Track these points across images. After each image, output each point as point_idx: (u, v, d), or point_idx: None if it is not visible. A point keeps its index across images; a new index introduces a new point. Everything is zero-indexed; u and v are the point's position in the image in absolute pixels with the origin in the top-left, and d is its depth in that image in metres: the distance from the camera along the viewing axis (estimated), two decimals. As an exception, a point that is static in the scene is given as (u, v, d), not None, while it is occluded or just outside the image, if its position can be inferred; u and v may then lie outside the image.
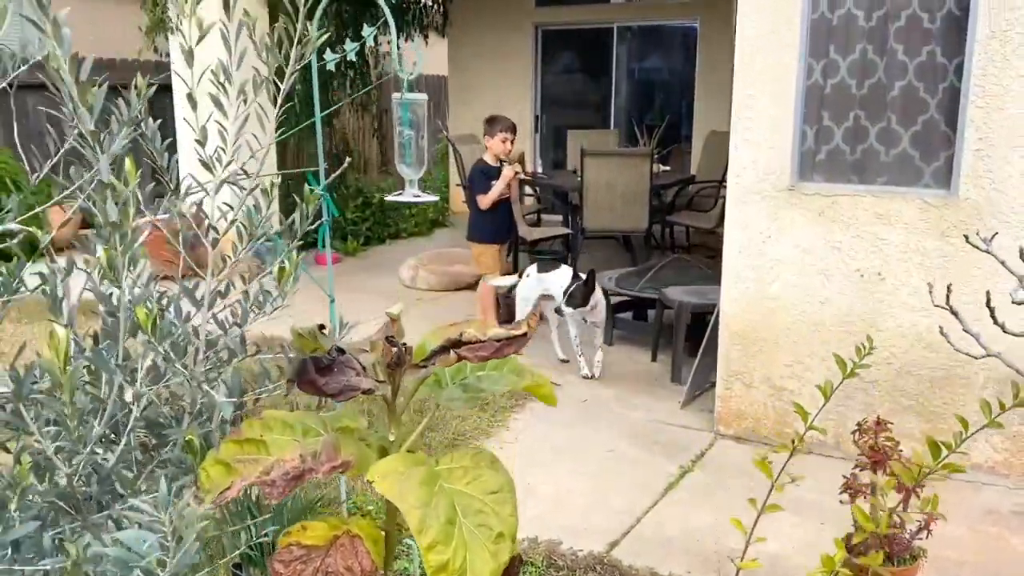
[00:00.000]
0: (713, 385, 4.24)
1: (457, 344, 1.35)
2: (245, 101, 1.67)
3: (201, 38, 1.55)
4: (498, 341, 1.35)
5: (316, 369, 1.32)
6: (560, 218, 7.99)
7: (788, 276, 3.84)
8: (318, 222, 2.73)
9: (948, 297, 1.88)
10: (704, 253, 7.53)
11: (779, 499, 3.43)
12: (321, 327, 1.39)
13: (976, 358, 1.85)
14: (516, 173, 5.50)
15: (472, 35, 10.54)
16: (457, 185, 8.42)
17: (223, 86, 1.64)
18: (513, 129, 5.54)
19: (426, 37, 10.42)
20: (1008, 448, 3.55)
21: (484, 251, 5.62)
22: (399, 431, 1.41)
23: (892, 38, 3.61)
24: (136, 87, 1.63)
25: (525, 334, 1.36)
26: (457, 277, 7.10)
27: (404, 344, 1.34)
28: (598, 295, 4.83)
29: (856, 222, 3.67)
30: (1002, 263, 1.70)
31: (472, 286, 7.12)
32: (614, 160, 6.91)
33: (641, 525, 3.30)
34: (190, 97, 1.59)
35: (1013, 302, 1.70)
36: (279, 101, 1.61)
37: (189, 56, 1.54)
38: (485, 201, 5.47)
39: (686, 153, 10.06)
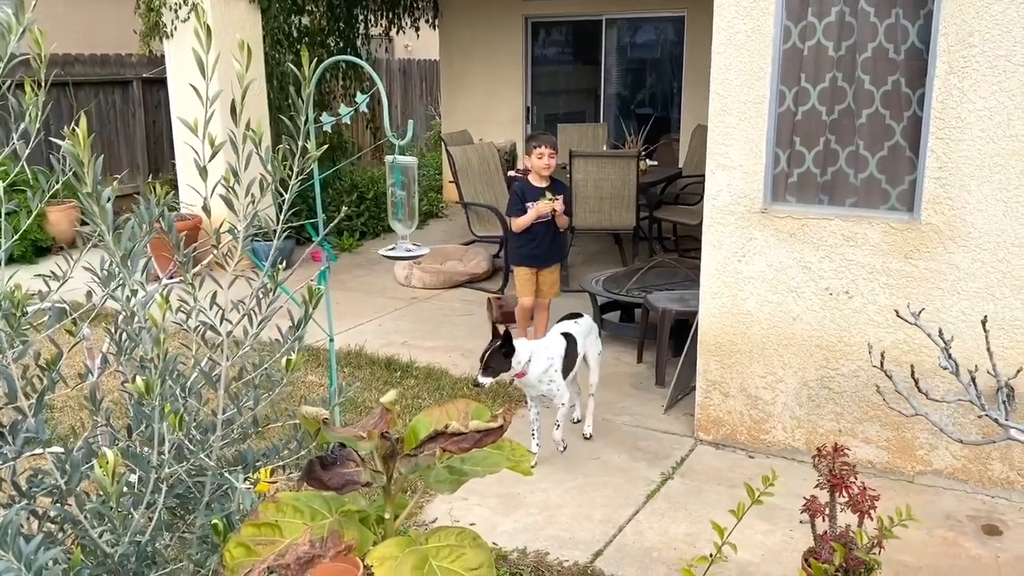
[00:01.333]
0: (694, 389, 4.47)
1: (442, 436, 1.57)
2: (253, 202, 1.87)
3: (214, 154, 1.75)
4: (478, 433, 1.57)
5: (322, 466, 1.54)
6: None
7: (761, 293, 4.05)
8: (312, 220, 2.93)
9: (883, 361, 2.10)
10: (691, 245, 7.76)
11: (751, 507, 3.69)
12: (325, 420, 1.61)
13: (906, 416, 2.07)
14: (554, 211, 5.12)
15: (463, 27, 10.66)
16: (449, 182, 8.59)
17: (233, 189, 1.84)
18: (550, 143, 5.19)
19: (417, 29, 10.55)
20: (966, 455, 3.80)
21: (516, 272, 5.46)
22: (393, 508, 1.64)
23: (860, 68, 3.80)
24: (156, 192, 1.82)
25: (501, 427, 1.58)
26: (451, 275, 7.31)
27: (398, 438, 1.56)
28: (526, 351, 4.05)
29: (825, 244, 3.89)
30: (928, 335, 1.91)
31: (465, 284, 7.34)
32: (602, 161, 7.10)
33: (623, 535, 3.54)
34: (205, 208, 1.79)
35: (940, 366, 1.92)
36: (285, 208, 1.81)
37: (204, 172, 1.74)
38: (513, 226, 5.28)
39: (674, 140, 10.24)
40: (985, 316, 2.07)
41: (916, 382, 1.91)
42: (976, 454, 3.79)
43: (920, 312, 2.06)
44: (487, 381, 3.96)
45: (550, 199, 5.09)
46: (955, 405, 3.72)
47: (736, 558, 3.35)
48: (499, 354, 3.96)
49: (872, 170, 3.86)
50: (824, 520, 2.91)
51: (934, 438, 3.84)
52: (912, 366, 2.05)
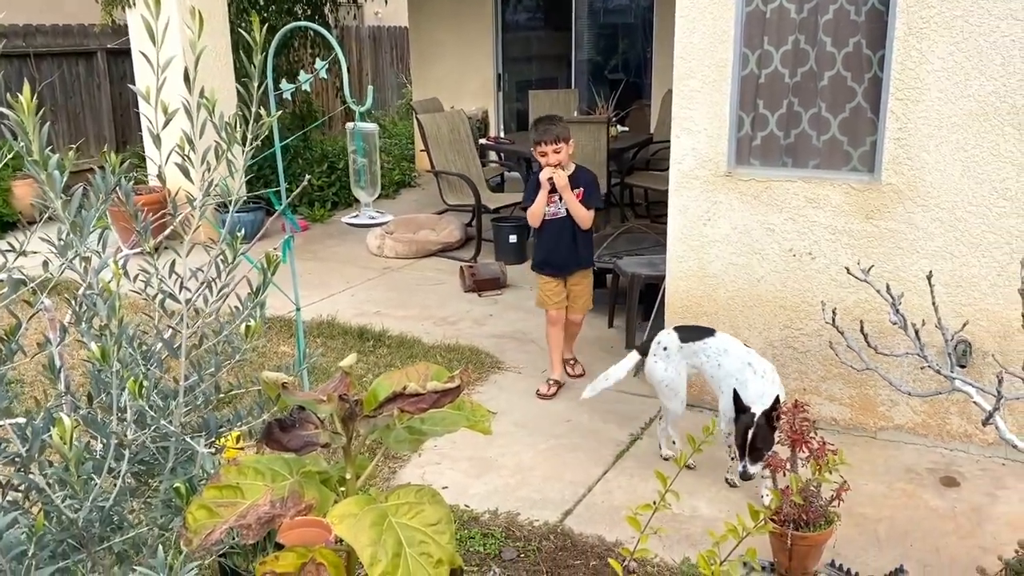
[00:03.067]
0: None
1: (400, 397, 1.60)
2: (209, 168, 1.87)
3: (167, 122, 1.75)
4: (435, 393, 1.60)
5: (280, 428, 1.57)
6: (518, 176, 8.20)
7: (726, 256, 4.11)
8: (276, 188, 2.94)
9: (834, 317, 2.15)
10: (662, 210, 7.79)
11: (719, 464, 3.77)
12: (284, 385, 1.63)
13: (858, 370, 2.13)
14: (550, 178, 4.37)
15: (432, -7, 10.56)
16: (421, 151, 8.55)
17: (188, 158, 1.84)
18: (552, 137, 4.38)
19: (386, -4, 10.43)
20: (926, 411, 3.89)
21: (537, 279, 4.74)
22: (354, 469, 1.67)
23: (821, 30, 3.82)
24: (111, 161, 1.82)
25: (459, 387, 1.61)
26: (424, 244, 7.31)
27: (356, 399, 1.59)
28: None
29: (788, 206, 3.93)
30: (877, 291, 1.96)
31: (438, 253, 7.35)
32: (572, 127, 7.07)
33: (592, 495, 3.61)
34: (160, 176, 1.79)
35: (891, 321, 1.97)
36: (240, 175, 1.82)
37: (157, 140, 1.74)
38: (529, 216, 4.60)
39: (646, 106, 10.24)
40: (930, 272, 2.12)
41: (866, 337, 1.96)
42: (936, 409, 3.88)
43: (870, 269, 2.11)
44: (755, 471, 3.18)
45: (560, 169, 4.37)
46: (916, 361, 3.80)
47: (703, 513, 3.44)
48: (769, 428, 3.14)
49: (834, 132, 3.90)
50: (785, 475, 2.98)
51: (895, 394, 3.93)
52: (862, 323, 2.10)
